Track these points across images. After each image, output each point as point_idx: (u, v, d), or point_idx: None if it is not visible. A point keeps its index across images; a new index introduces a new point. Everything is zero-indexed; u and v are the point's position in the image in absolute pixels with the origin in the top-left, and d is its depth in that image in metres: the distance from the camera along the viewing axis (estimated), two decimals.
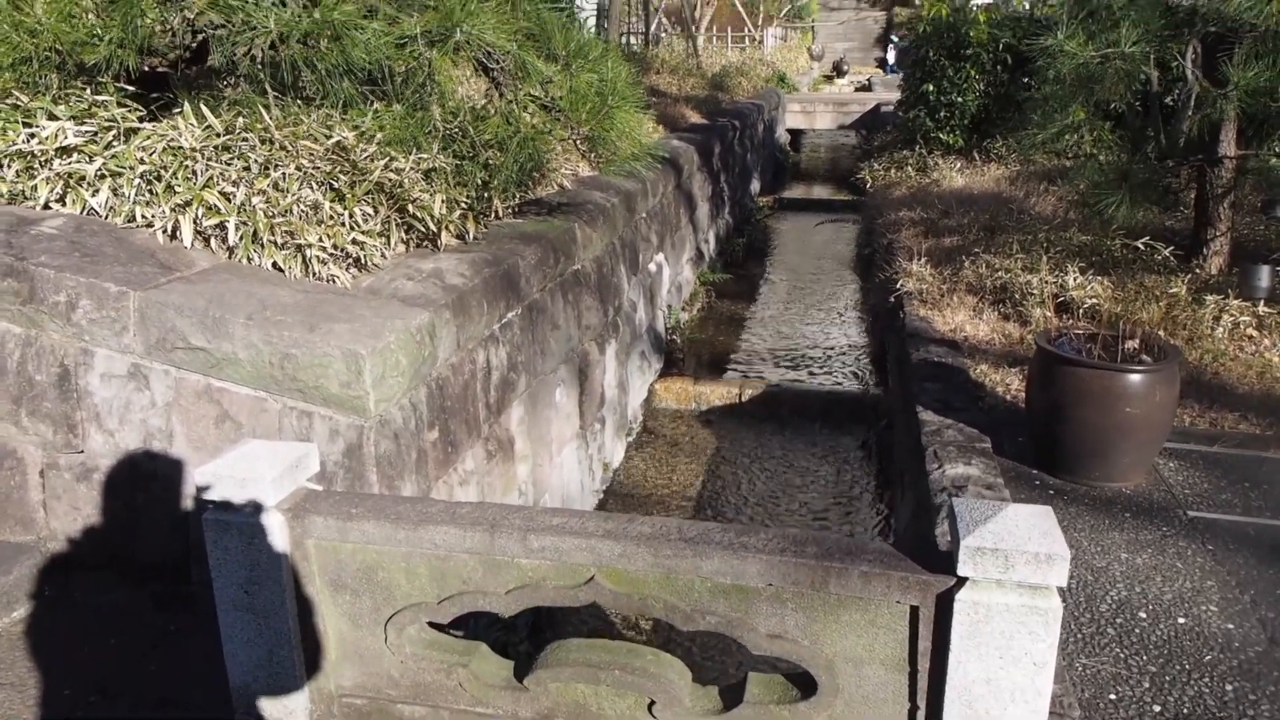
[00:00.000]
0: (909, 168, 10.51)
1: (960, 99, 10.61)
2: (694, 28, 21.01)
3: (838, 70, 28.37)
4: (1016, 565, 1.80)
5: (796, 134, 19.22)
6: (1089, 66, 5.73)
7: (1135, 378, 3.49)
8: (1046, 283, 5.60)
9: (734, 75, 16.27)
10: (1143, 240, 6.05)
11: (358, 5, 4.16)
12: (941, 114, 10.80)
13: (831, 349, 7.97)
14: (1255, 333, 5.06)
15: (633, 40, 19.91)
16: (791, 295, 9.65)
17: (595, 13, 17.82)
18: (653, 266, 6.98)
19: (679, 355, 7.57)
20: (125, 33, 3.59)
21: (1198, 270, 5.94)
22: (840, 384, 7.19)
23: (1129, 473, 3.64)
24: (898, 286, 6.25)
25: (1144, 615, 2.80)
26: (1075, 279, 5.59)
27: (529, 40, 4.39)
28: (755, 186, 14.07)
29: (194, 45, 4.00)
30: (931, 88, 10.78)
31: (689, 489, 5.64)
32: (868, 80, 25.18)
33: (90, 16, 3.70)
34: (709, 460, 6.01)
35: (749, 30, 26.30)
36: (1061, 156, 8.98)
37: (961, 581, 1.87)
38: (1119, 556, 3.12)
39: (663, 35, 21.91)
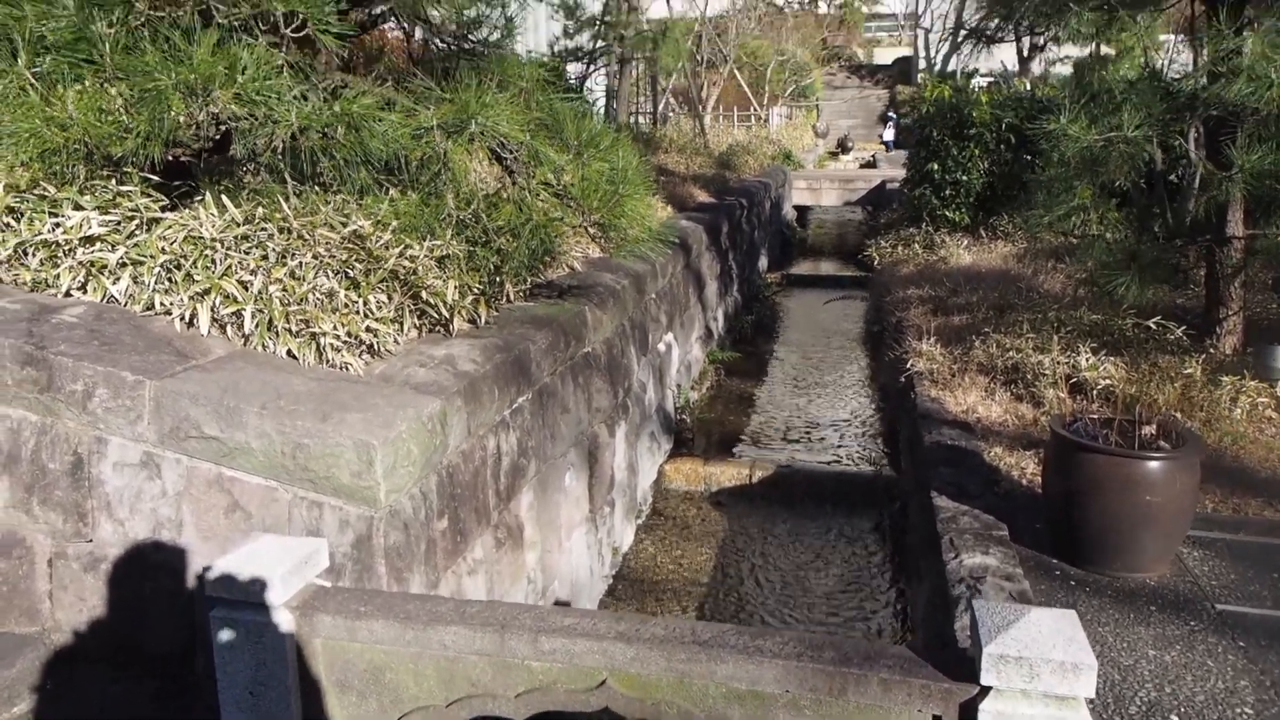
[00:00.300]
0: (916, 245, 10.61)
1: (965, 177, 10.78)
2: (701, 107, 21.52)
3: (842, 147, 28.93)
4: (1042, 675, 1.76)
5: (803, 210, 19.49)
6: (1093, 149, 5.83)
7: (1154, 465, 3.45)
8: (1059, 363, 5.59)
9: (740, 154, 16.59)
10: (1154, 320, 6.07)
11: (376, 98, 4.29)
12: (947, 192, 10.96)
13: (842, 428, 7.94)
14: (1275, 414, 5.03)
15: (641, 120, 20.38)
16: (801, 373, 9.66)
17: (605, 94, 18.27)
18: (662, 346, 7.02)
19: (689, 435, 7.55)
20: (152, 126, 3.68)
21: (1211, 350, 5.93)
22: (852, 464, 7.14)
23: (1152, 563, 3.57)
24: (908, 366, 6.26)
25: (1176, 719, 2.72)
26: (1088, 359, 5.59)
27: (542, 129, 4.50)
28: (763, 263, 14.22)
29: (218, 136, 4.11)
30: (936, 166, 10.97)
31: (700, 575, 5.56)
32: (872, 157, 25.64)
33: (120, 111, 3.81)
34: (720, 544, 5.94)
35: (755, 109, 26.92)
36: (1068, 235, 9.07)
37: (985, 690, 1.82)
38: (1146, 654, 3.05)
39: (670, 115, 22.42)
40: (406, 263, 3.80)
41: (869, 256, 11.84)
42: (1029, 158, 10.03)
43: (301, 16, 4.09)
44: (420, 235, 4.03)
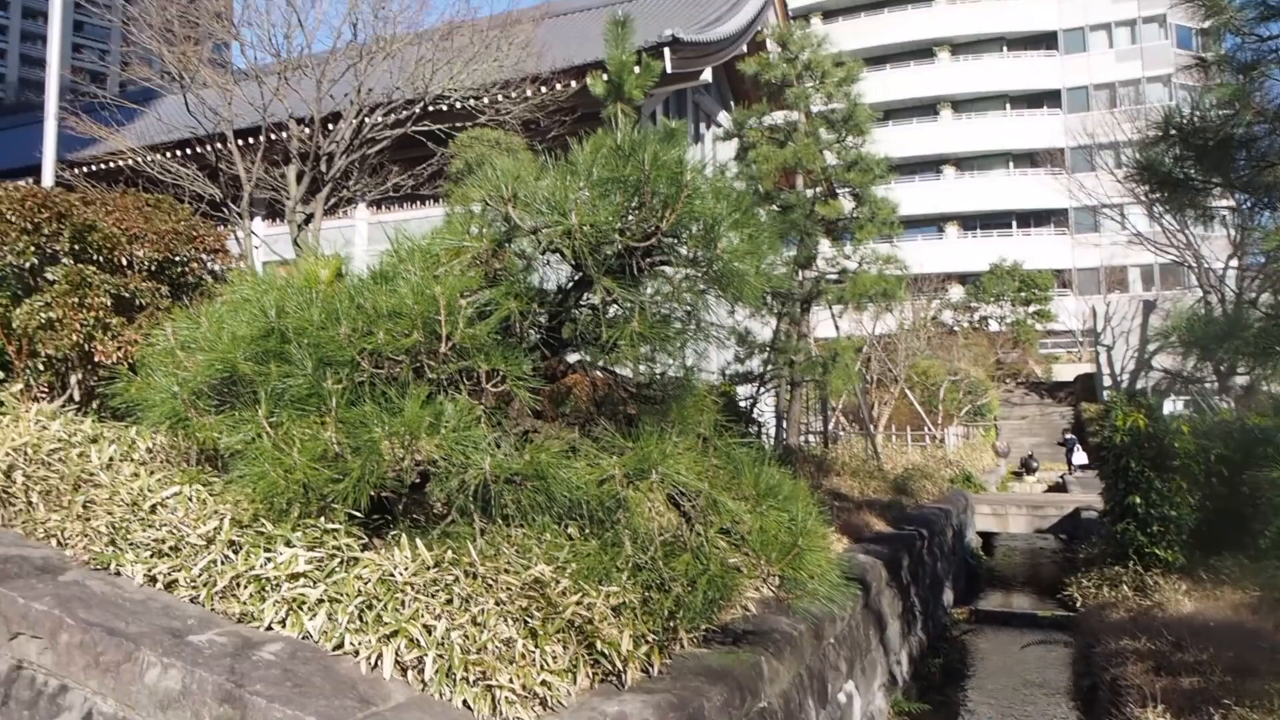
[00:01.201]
0: (1124, 586, 9.91)
1: (1174, 513, 10.19)
2: (872, 426, 21.83)
3: (1026, 468, 28.20)
4: None
5: (988, 537, 18.73)
6: None
7: None
8: None
9: (917, 477, 16.46)
10: None
11: (563, 444, 4.71)
12: (1154, 528, 10.34)
13: None
14: None
15: (811, 439, 20.81)
16: None
17: (774, 414, 18.97)
18: (842, 697, 6.65)
19: None
20: (364, 472, 4.17)
21: None
22: None
23: None
24: None
25: None
26: None
27: (719, 473, 4.75)
28: (948, 597, 13.53)
29: (417, 479, 4.57)
30: (1138, 500, 10.46)
31: None
32: (1061, 479, 24.77)
33: (337, 457, 4.36)
34: None
35: (928, 429, 26.99)
36: None
37: None
38: None
39: (841, 434, 22.82)
40: (583, 612, 3.94)
41: (1069, 595, 11.09)
42: (1246, 491, 9.45)
43: (501, 373, 4.66)
44: (597, 580, 4.20)
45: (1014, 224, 51.89)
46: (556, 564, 4.17)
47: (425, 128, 12.99)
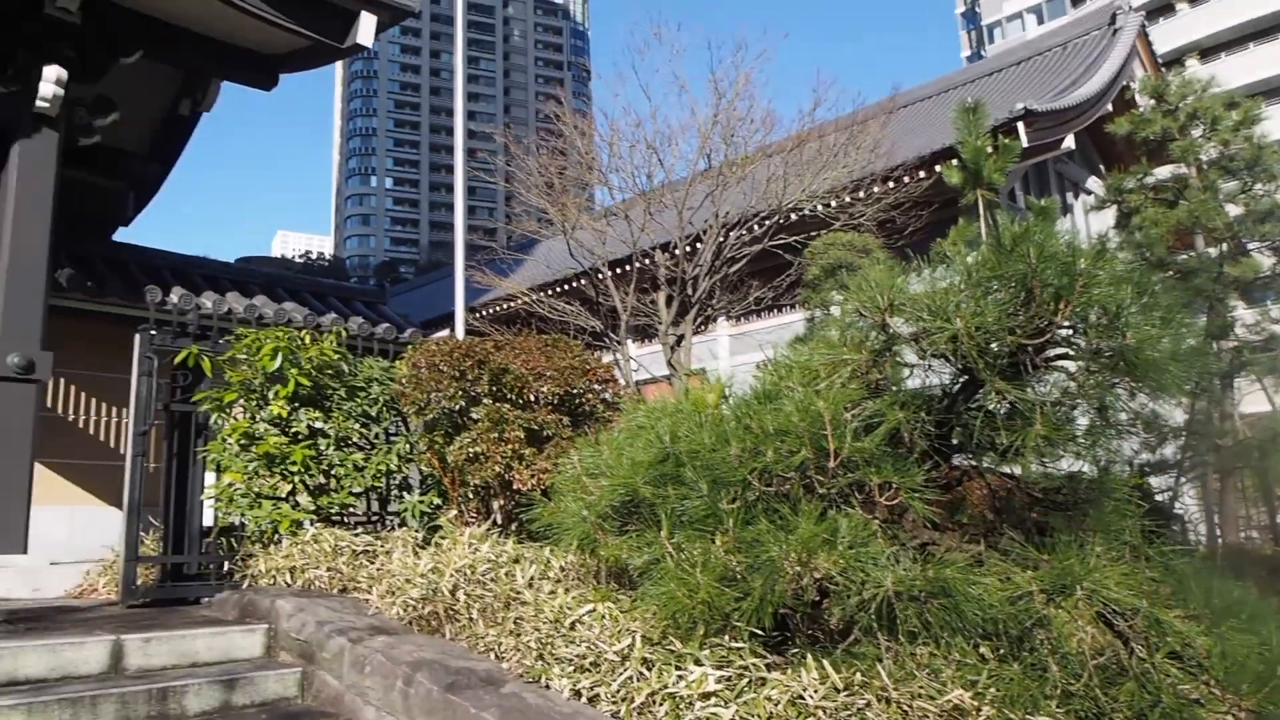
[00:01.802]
0: None
1: None
2: None
3: None
4: None
5: None
6: None
7: None
8: None
9: None
10: None
11: (967, 557, 4.49)
12: None
13: None
14: None
15: (1254, 535, 17.86)
16: None
17: (1203, 508, 16.63)
18: None
19: None
20: (765, 592, 4.28)
21: None
22: None
23: None
24: None
25: None
26: None
27: (1158, 587, 4.25)
28: None
29: (816, 598, 4.60)
30: None
31: None
32: None
33: (737, 576, 4.52)
34: None
35: None
36: None
37: None
38: None
39: None
40: None
41: None
42: None
43: (894, 485, 4.59)
44: (1022, 708, 3.89)
45: None
46: (974, 689, 3.94)
47: (780, 240, 13.51)
